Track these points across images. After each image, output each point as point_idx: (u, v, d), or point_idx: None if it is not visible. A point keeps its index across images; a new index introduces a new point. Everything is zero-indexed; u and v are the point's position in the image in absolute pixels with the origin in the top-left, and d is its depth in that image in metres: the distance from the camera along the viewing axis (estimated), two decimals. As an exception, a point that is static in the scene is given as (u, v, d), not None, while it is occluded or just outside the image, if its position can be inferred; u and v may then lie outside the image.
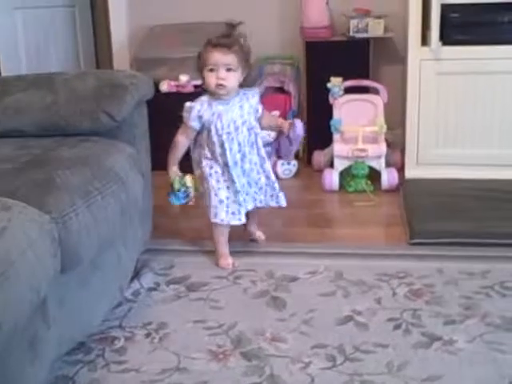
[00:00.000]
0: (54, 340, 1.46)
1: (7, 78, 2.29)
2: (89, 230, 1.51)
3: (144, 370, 1.61)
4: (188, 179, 2.11)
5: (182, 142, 2.12)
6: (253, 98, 2.15)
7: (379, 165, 2.91)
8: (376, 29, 3.12)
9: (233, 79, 2.05)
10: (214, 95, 2.08)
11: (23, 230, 1.30)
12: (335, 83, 3.00)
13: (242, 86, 2.15)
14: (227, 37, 2.06)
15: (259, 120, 2.19)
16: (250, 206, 2.19)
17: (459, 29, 2.79)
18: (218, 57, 2.02)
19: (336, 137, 2.96)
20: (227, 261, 2.16)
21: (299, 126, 2.23)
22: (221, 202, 2.12)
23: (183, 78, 3.15)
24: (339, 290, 1.98)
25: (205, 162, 2.13)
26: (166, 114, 2.81)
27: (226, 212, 2.13)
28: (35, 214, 1.37)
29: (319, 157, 3.17)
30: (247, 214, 2.21)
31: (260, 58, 3.47)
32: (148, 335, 1.76)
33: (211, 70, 2.03)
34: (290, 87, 3.32)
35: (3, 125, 1.93)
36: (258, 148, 2.18)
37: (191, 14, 3.43)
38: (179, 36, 3.31)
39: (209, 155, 2.13)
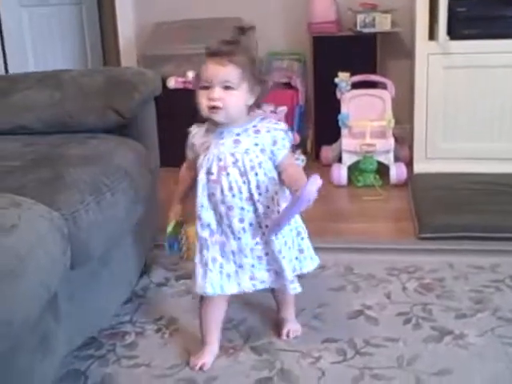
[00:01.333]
0: (65, 335, 1.46)
1: (14, 75, 2.30)
2: (99, 226, 1.51)
3: (155, 364, 1.62)
4: (186, 230, 1.65)
5: (183, 174, 1.65)
6: (268, 132, 1.51)
7: (388, 159, 2.90)
8: (383, 23, 3.11)
9: (233, 100, 1.46)
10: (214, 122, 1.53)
11: (33, 227, 1.30)
12: (343, 78, 3.00)
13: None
14: (230, 43, 1.49)
15: (279, 172, 1.54)
16: (247, 286, 1.58)
17: (466, 23, 2.78)
18: (213, 70, 1.46)
19: (344, 131, 2.96)
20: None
21: (311, 189, 1.47)
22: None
23: (190, 75, 3.15)
24: (349, 284, 1.98)
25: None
26: (173, 110, 2.83)
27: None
28: (45, 210, 1.38)
29: (327, 152, 3.16)
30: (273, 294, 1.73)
31: (267, 54, 3.47)
32: (158, 330, 1.76)
33: (204, 88, 1.47)
34: (297, 83, 3.32)
35: (11, 122, 1.94)
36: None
37: (198, 10, 3.43)
38: (186, 32, 3.31)
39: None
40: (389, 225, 2.52)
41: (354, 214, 2.66)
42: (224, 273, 1.54)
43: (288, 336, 1.69)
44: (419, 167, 2.93)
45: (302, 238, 1.64)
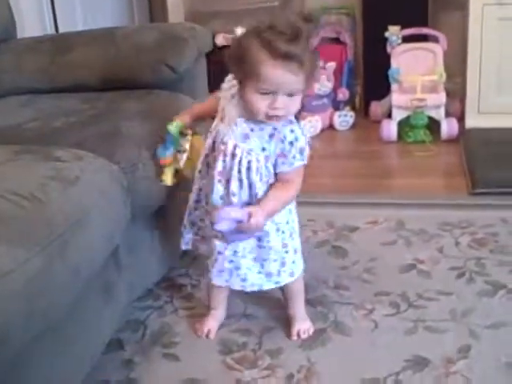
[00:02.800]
0: (126, 286, 1.52)
1: (68, 33, 2.32)
2: (155, 179, 1.54)
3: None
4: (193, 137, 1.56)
5: (210, 100, 1.52)
6: (281, 142, 1.36)
7: (438, 114, 2.85)
8: (436, -27, 3.02)
9: (295, 106, 1.33)
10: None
11: (95, 179, 1.34)
12: (393, 32, 2.94)
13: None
14: (296, 41, 1.25)
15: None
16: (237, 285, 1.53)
17: (524, -29, 2.69)
18: (283, 77, 1.27)
19: (394, 87, 2.91)
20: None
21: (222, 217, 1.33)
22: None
23: (239, 31, 3.13)
24: (400, 239, 1.98)
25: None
26: (221, 67, 2.83)
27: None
28: (105, 164, 1.41)
29: (376, 107, 3.13)
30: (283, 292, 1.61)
31: (316, 9, 3.41)
32: (213, 283, 1.80)
33: (263, 93, 1.29)
34: (346, 38, 3.27)
35: (66, 79, 1.97)
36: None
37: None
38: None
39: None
40: (440, 180, 2.50)
41: (405, 169, 2.64)
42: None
43: (299, 336, 1.56)
44: (471, 122, 2.87)
45: (287, 252, 1.49)
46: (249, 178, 1.38)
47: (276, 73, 1.26)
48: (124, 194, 1.41)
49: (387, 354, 1.48)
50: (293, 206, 1.50)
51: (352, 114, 3.14)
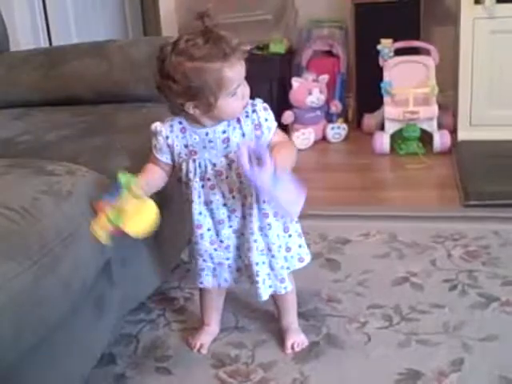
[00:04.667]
0: (118, 299, 1.51)
1: (61, 47, 2.33)
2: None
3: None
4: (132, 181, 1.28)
5: (152, 168, 1.43)
6: (247, 118, 1.37)
7: (431, 127, 2.87)
8: (427, -13, 3.05)
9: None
10: (193, 119, 1.37)
11: (87, 193, 1.34)
12: (385, 45, 2.96)
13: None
14: (219, 35, 1.29)
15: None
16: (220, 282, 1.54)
17: (514, -15, 2.71)
18: (242, 69, 1.31)
19: (387, 99, 2.93)
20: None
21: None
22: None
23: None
24: (393, 251, 1.99)
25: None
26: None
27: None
28: (98, 177, 1.41)
29: (369, 120, 3.14)
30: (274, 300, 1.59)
31: (308, 22, 3.44)
32: (206, 296, 1.80)
33: (235, 93, 1.32)
34: (339, 50, 3.29)
35: (59, 93, 1.98)
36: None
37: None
38: (228, 1, 3.30)
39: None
40: (433, 193, 2.51)
41: (397, 182, 2.66)
42: (222, 276, 1.51)
43: (293, 349, 1.55)
44: (463, 135, 2.89)
45: (290, 236, 1.50)
46: None
47: (236, 69, 1.29)
48: (116, 208, 1.41)
49: (380, 367, 1.48)
50: None
51: (345, 126, 3.15)
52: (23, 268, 1.06)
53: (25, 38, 2.82)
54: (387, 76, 2.94)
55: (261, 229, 1.44)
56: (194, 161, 1.38)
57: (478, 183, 2.39)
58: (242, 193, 1.40)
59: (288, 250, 1.50)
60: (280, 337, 1.59)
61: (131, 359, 1.57)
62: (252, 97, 1.41)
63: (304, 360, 1.52)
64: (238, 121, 1.37)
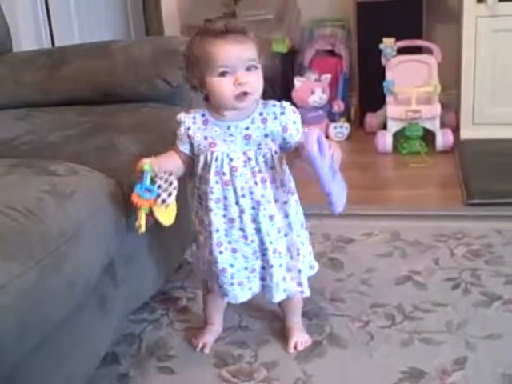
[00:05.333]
0: (121, 299, 1.51)
1: (64, 47, 2.33)
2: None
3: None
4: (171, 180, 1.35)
5: (170, 155, 1.44)
6: (275, 120, 1.38)
7: (433, 126, 2.87)
8: (429, -14, 3.05)
9: (259, 82, 1.33)
10: (214, 110, 1.38)
11: (90, 193, 1.34)
12: (388, 44, 2.96)
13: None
14: (230, 20, 1.34)
15: (294, 152, 1.39)
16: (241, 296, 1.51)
17: (516, -17, 2.71)
18: (234, 50, 1.29)
19: (389, 98, 2.93)
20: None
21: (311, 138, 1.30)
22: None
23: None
24: (396, 250, 1.99)
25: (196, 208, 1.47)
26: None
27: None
28: (100, 177, 1.41)
29: (372, 119, 3.14)
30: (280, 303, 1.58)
31: (310, 21, 3.44)
32: (209, 295, 1.80)
33: (222, 74, 1.31)
34: (341, 50, 3.29)
35: (62, 93, 1.98)
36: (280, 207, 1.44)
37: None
38: (230, 1, 3.30)
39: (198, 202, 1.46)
40: (435, 191, 2.51)
41: (400, 181, 2.66)
42: (236, 282, 1.47)
43: (296, 348, 1.55)
44: (466, 133, 2.89)
45: (302, 243, 1.51)
46: (271, 168, 1.39)
47: (226, 48, 1.29)
48: (119, 208, 1.41)
49: (383, 366, 1.48)
50: (297, 197, 1.49)
51: (347, 125, 3.15)
52: (26, 268, 1.07)
53: (27, 38, 2.83)
54: (390, 75, 2.94)
55: (279, 231, 1.44)
56: (212, 153, 1.37)
57: (480, 182, 2.39)
58: (253, 194, 1.39)
59: (302, 256, 1.52)
60: (283, 336, 1.59)
61: (134, 359, 1.57)
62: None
63: (307, 359, 1.52)
64: (264, 121, 1.37)
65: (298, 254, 1.49)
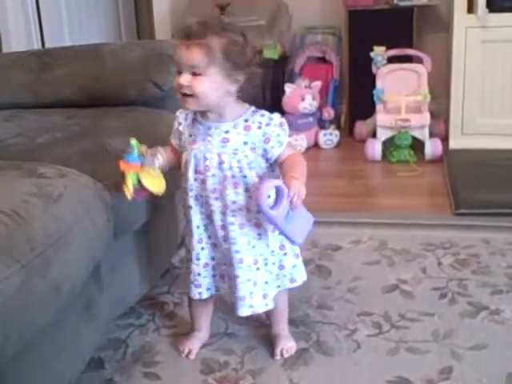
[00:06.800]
0: (107, 303, 1.50)
1: (54, 49, 2.33)
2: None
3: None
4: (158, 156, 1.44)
5: (167, 148, 1.49)
6: (259, 129, 1.38)
7: (423, 135, 2.88)
8: (421, -4, 3.07)
9: (200, 87, 1.32)
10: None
11: (78, 197, 1.33)
12: (378, 52, 2.98)
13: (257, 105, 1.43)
14: (202, 24, 1.33)
15: (279, 164, 1.41)
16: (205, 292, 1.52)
17: (506, -5, 2.73)
18: (180, 54, 1.33)
19: (379, 107, 2.94)
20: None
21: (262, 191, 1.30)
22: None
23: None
24: (384, 258, 1.99)
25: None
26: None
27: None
28: (89, 181, 1.41)
29: (361, 127, 3.15)
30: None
31: (302, 28, 3.45)
32: (196, 301, 1.79)
33: (179, 73, 1.36)
34: (332, 57, 3.30)
35: (51, 95, 1.97)
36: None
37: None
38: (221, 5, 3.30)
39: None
40: (424, 200, 2.52)
41: (389, 189, 2.66)
42: (217, 274, 1.49)
43: (282, 355, 1.54)
44: (455, 143, 2.91)
45: (285, 254, 1.49)
46: (243, 177, 1.38)
47: (179, 51, 1.34)
48: (107, 212, 1.40)
49: (369, 374, 1.47)
50: None
51: (337, 133, 3.16)
52: (11, 271, 1.05)
53: (18, 39, 2.81)
54: (380, 83, 2.95)
55: (248, 242, 1.43)
56: (191, 151, 1.40)
57: (468, 192, 2.40)
58: (223, 198, 1.39)
59: (281, 267, 1.50)
60: (270, 343, 1.59)
61: (120, 364, 1.55)
62: (245, 102, 1.41)
63: (293, 367, 1.51)
64: (247, 128, 1.38)
65: (266, 264, 1.46)
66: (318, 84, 3.12)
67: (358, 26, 3.15)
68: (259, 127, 1.38)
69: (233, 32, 1.34)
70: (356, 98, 3.20)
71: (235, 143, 1.38)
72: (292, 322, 1.65)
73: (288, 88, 3.09)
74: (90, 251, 1.31)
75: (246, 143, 1.38)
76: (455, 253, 2.00)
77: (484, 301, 1.73)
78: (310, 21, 3.43)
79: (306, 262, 1.95)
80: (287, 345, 1.56)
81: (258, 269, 1.45)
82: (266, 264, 1.47)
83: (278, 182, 1.32)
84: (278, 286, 1.51)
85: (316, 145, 3.14)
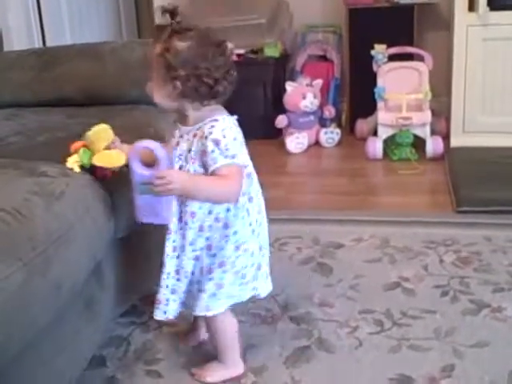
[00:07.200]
0: (108, 301, 1.50)
1: (55, 47, 2.33)
2: (141, 195, 1.53)
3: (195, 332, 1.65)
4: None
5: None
6: (199, 140, 1.33)
7: (424, 133, 2.88)
8: (421, -6, 3.06)
9: (151, 90, 1.37)
10: None
11: (80, 195, 1.33)
12: (379, 50, 2.97)
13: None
14: (170, 34, 1.32)
15: None
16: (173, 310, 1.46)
17: (507, -7, 2.73)
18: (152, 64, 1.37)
19: (380, 105, 2.94)
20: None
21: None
22: None
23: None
24: (385, 256, 1.99)
25: None
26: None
27: None
28: (90, 179, 1.41)
29: (362, 125, 3.15)
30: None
31: (303, 26, 3.45)
32: (197, 299, 1.79)
33: None
34: (333, 55, 3.30)
35: (52, 94, 1.97)
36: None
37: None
38: (222, 5, 3.30)
39: None
40: (425, 198, 2.52)
41: (390, 187, 2.66)
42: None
43: (193, 375, 1.49)
44: (456, 141, 2.90)
45: (224, 271, 1.39)
46: None
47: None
48: (108, 210, 1.40)
49: (371, 372, 1.47)
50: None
51: (338, 131, 3.16)
52: (13, 269, 1.05)
53: (19, 38, 2.81)
54: (381, 81, 2.95)
55: (174, 248, 1.40)
56: (175, 150, 1.38)
57: (470, 189, 2.40)
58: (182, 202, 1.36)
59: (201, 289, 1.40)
60: (271, 341, 1.58)
61: (121, 362, 1.55)
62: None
63: (295, 364, 1.51)
64: (194, 136, 1.34)
65: (186, 277, 1.41)
66: (319, 82, 3.11)
67: (358, 24, 3.15)
68: (201, 137, 1.33)
69: (175, 41, 1.30)
70: (357, 96, 3.20)
71: (182, 148, 1.36)
72: (294, 319, 1.66)
73: (289, 86, 3.09)
74: (91, 249, 1.31)
75: (189, 150, 1.34)
76: (457, 250, 2.00)
77: (486, 298, 1.73)
78: (311, 19, 3.43)
79: (307, 260, 1.98)
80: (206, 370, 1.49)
81: (178, 280, 1.42)
82: (186, 277, 1.41)
83: (158, 148, 1.31)
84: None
85: (317, 143, 3.14)
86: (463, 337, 1.57)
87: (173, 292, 1.43)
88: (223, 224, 1.37)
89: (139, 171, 1.32)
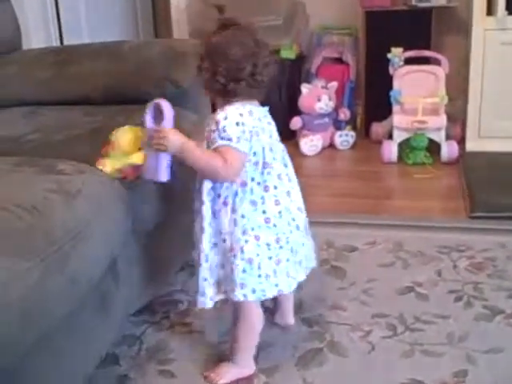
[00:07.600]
0: (123, 299, 1.50)
1: (73, 46, 2.34)
2: (158, 193, 1.54)
3: (207, 332, 1.66)
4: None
5: None
6: (212, 122, 1.38)
7: (439, 137, 2.87)
8: (439, -3, 3.05)
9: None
10: None
11: (96, 192, 1.34)
12: (395, 53, 2.96)
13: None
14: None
15: None
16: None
17: (526, -3, 2.71)
18: None
19: (396, 108, 2.93)
20: None
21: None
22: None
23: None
24: (399, 260, 1.98)
25: None
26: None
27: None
28: (107, 177, 1.41)
29: (377, 128, 3.14)
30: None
31: (318, 28, 3.45)
32: (210, 299, 1.80)
33: None
34: (349, 58, 3.29)
35: (70, 92, 1.98)
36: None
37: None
38: (239, 4, 3.30)
39: None
40: (439, 203, 2.51)
41: (404, 191, 2.65)
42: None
43: (206, 377, 1.50)
44: (471, 145, 2.89)
45: (234, 256, 1.39)
46: None
47: None
48: (125, 208, 1.41)
49: (383, 376, 1.47)
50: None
51: (353, 133, 3.15)
52: (31, 265, 1.06)
53: (37, 36, 2.83)
54: (397, 85, 2.94)
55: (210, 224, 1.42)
56: None
57: (485, 195, 2.39)
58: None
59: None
60: (284, 342, 1.59)
61: (134, 361, 1.56)
62: (261, 102, 1.41)
63: (307, 366, 1.52)
64: (210, 119, 1.39)
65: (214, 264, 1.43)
66: (334, 84, 3.11)
67: (375, 26, 3.14)
68: (212, 121, 1.38)
69: (215, 40, 1.37)
70: (372, 99, 3.19)
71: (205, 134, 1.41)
72: (306, 321, 1.66)
73: (304, 88, 3.09)
74: (108, 246, 1.32)
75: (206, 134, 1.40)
76: (471, 256, 1.99)
77: (500, 304, 1.72)
78: (327, 20, 3.43)
79: (322, 263, 1.97)
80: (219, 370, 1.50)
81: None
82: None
83: (166, 106, 1.39)
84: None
85: (332, 145, 3.13)
86: (476, 342, 1.57)
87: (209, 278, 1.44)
88: (231, 208, 1.38)
89: (147, 124, 1.39)
